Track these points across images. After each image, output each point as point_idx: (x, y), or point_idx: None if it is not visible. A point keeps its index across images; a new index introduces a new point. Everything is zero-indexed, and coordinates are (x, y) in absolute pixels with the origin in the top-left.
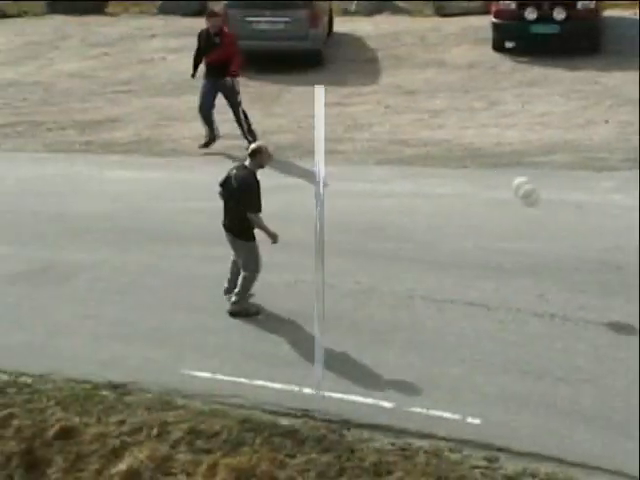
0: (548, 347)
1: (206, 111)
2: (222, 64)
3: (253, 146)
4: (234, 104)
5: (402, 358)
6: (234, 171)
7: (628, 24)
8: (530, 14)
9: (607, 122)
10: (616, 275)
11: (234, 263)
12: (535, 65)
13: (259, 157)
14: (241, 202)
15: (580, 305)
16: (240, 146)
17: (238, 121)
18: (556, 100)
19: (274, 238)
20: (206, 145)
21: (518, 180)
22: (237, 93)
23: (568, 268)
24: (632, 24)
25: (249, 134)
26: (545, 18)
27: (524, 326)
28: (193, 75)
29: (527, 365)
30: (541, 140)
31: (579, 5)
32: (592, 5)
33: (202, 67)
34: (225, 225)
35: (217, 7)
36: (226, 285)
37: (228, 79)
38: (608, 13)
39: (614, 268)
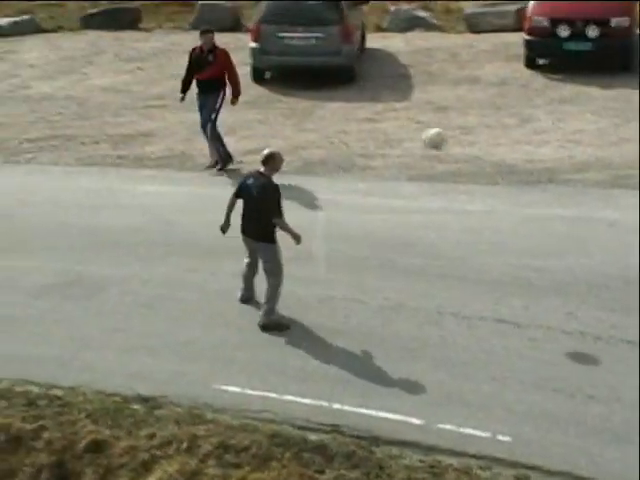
0: (578, 365)
1: (211, 129)
2: (215, 80)
3: (266, 152)
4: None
5: (432, 375)
6: (251, 180)
7: None
8: (563, 31)
9: (635, 140)
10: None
11: (249, 268)
12: (568, 82)
13: (272, 162)
14: (264, 209)
15: (611, 324)
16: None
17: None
18: (588, 118)
19: (298, 239)
20: (221, 168)
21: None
22: (215, 110)
23: (599, 286)
24: None
25: (218, 156)
26: (578, 35)
27: (554, 344)
28: (182, 99)
29: (558, 383)
30: (573, 158)
31: (613, 23)
32: (626, 23)
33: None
34: (245, 231)
35: (250, 23)
36: (241, 292)
37: (234, 100)
38: None
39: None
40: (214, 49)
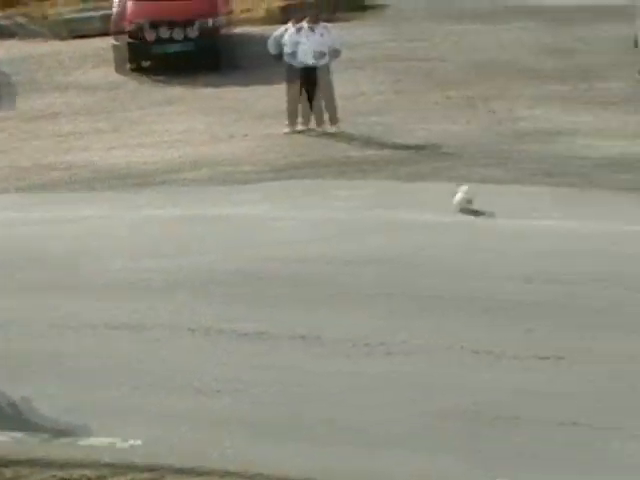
0: (205, 361)
1: None
2: None
3: None
4: None
5: (60, 388)
6: None
7: (256, 41)
8: (163, 33)
9: (240, 136)
10: (264, 286)
11: None
12: (171, 84)
13: None
14: None
15: (229, 317)
16: None
17: None
18: (194, 117)
19: None
20: None
21: None
22: None
23: (213, 281)
24: (259, 41)
25: None
26: (178, 37)
27: (180, 342)
28: None
29: (185, 380)
30: (182, 157)
31: (210, 23)
32: (217, 23)
33: None
34: None
35: None
36: None
37: None
38: (240, 30)
39: (257, 278)
40: None
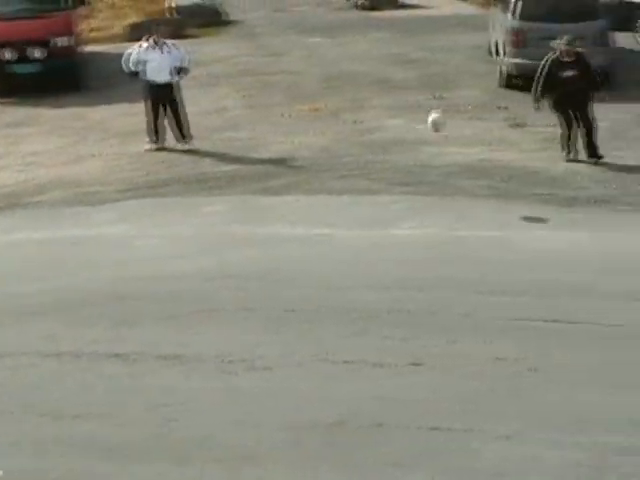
0: (67, 385)
1: None
2: None
3: None
4: None
5: None
6: None
7: (113, 58)
8: (8, 54)
9: (97, 155)
10: (124, 305)
11: None
12: (20, 106)
13: None
14: None
15: (92, 339)
16: None
17: None
18: (46, 138)
19: None
20: None
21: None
22: None
23: (75, 304)
24: (116, 58)
25: None
26: (24, 57)
27: (40, 368)
28: None
29: (46, 406)
30: (35, 179)
31: (58, 43)
32: (71, 42)
33: None
34: None
35: None
36: None
37: None
38: (90, 49)
39: (118, 298)
40: None
